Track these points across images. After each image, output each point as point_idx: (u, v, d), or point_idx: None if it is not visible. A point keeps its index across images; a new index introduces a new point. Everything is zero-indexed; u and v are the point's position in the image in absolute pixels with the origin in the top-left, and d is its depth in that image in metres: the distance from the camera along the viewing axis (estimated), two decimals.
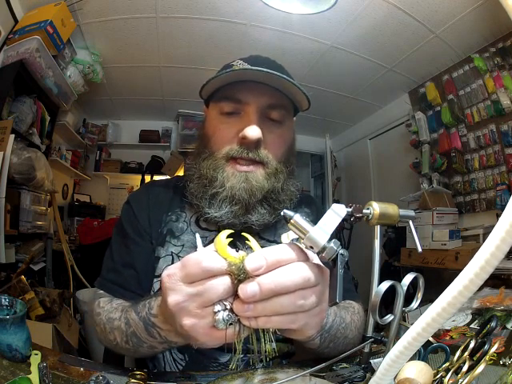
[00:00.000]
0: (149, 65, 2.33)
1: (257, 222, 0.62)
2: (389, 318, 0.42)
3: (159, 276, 0.65)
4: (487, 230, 1.88)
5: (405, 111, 2.60)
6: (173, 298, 0.36)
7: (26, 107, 1.78)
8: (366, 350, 0.47)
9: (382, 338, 0.45)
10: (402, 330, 0.42)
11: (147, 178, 3.30)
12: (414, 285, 0.43)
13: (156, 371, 0.64)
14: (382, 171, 3.04)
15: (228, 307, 0.34)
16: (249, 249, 0.36)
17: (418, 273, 0.43)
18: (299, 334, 0.39)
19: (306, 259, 0.35)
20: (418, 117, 2.40)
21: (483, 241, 0.25)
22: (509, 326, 0.69)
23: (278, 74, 0.57)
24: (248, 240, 0.38)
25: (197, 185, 0.65)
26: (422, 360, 0.45)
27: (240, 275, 0.33)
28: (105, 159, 3.35)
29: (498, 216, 0.25)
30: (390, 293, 0.39)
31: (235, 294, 0.34)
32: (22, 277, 1.51)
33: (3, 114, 1.60)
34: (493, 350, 0.40)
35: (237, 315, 0.34)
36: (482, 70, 1.98)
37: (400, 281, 0.41)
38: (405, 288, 0.41)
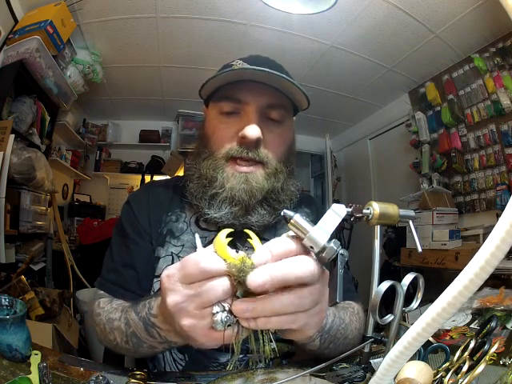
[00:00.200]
0: (149, 65, 2.33)
1: (257, 223, 0.62)
2: (389, 318, 0.42)
3: (159, 276, 0.65)
4: (487, 230, 1.88)
5: (405, 111, 2.60)
6: (172, 299, 0.36)
7: (26, 107, 1.78)
8: (366, 350, 0.47)
9: (382, 338, 0.45)
10: (402, 329, 0.42)
11: (147, 178, 3.30)
12: (413, 285, 0.43)
13: (156, 371, 0.64)
14: (382, 171, 3.04)
15: (227, 308, 0.34)
16: (249, 249, 0.36)
17: (418, 273, 0.43)
18: (300, 334, 0.38)
19: (308, 254, 0.35)
20: (418, 117, 2.40)
21: (483, 241, 0.25)
22: (509, 326, 0.69)
23: (278, 73, 0.56)
24: (250, 238, 0.37)
25: (196, 185, 0.65)
26: (422, 360, 0.45)
27: (240, 277, 0.33)
28: (105, 159, 3.35)
29: (498, 216, 0.25)
30: (390, 293, 0.39)
31: (234, 295, 0.34)
32: (22, 277, 1.51)
33: (3, 114, 1.60)
34: (493, 349, 0.40)
35: (235, 316, 0.34)
36: (482, 70, 1.97)
37: (400, 281, 0.41)
38: (405, 288, 0.41)
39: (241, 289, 0.34)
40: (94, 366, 0.54)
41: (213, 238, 0.42)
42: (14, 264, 1.66)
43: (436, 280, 1.76)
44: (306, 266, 0.34)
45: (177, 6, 1.76)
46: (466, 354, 0.42)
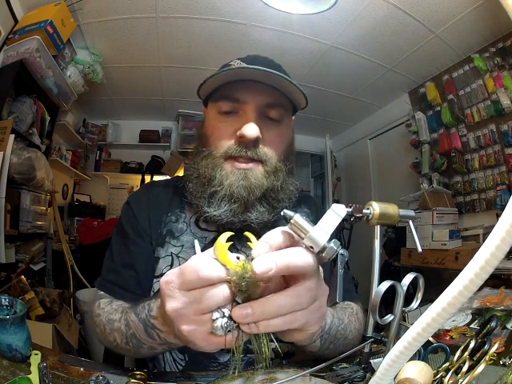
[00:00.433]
0: (149, 65, 2.33)
1: (256, 221, 0.62)
2: (389, 317, 0.42)
3: (159, 276, 0.65)
4: (487, 230, 1.88)
5: (405, 111, 2.60)
6: (171, 305, 0.36)
7: (26, 107, 1.78)
8: (366, 350, 0.47)
9: (382, 338, 0.45)
10: (402, 329, 0.42)
11: (147, 178, 3.30)
12: (414, 285, 0.43)
13: (156, 371, 0.64)
14: (382, 171, 3.04)
15: (226, 314, 0.34)
16: (249, 249, 0.36)
17: (418, 273, 0.43)
18: (302, 333, 0.38)
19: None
20: (418, 117, 2.40)
21: (483, 241, 0.25)
22: (509, 326, 0.69)
23: (276, 72, 0.56)
24: (250, 241, 0.37)
25: (196, 184, 0.65)
26: (422, 360, 0.45)
27: (241, 284, 0.33)
28: (105, 159, 3.35)
29: (498, 216, 0.25)
30: (390, 293, 0.39)
31: (234, 301, 0.34)
32: (22, 277, 1.51)
33: (3, 114, 1.60)
34: (493, 350, 0.40)
35: (235, 322, 0.34)
36: (482, 70, 1.97)
37: (400, 281, 0.41)
38: (405, 288, 0.41)
39: (241, 295, 0.34)
40: (94, 366, 0.54)
41: (213, 238, 0.42)
42: (14, 264, 1.66)
43: (436, 280, 1.76)
44: (306, 257, 0.34)
45: (177, 6, 1.76)
46: (466, 354, 0.42)
